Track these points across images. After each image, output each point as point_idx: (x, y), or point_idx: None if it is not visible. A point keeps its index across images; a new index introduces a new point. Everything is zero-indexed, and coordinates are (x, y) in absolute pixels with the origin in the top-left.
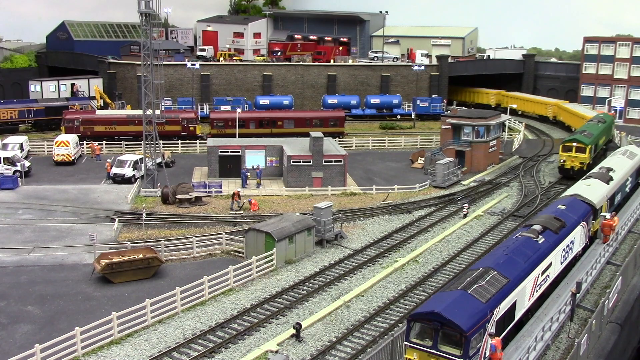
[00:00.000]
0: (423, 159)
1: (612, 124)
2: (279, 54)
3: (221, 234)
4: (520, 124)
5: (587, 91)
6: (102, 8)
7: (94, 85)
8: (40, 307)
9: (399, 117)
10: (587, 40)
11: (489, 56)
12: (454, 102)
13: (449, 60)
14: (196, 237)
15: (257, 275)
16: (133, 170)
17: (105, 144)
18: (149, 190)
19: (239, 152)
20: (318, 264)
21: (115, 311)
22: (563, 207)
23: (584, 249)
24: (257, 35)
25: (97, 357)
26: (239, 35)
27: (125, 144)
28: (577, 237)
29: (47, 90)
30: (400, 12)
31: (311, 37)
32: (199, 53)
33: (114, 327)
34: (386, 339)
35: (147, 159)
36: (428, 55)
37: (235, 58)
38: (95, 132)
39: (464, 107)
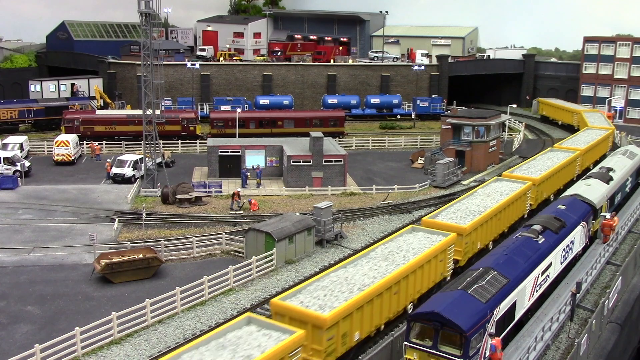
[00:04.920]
0: (423, 158)
1: None
2: (279, 53)
3: (221, 234)
4: (520, 124)
5: (587, 91)
6: (102, 8)
7: (94, 85)
8: (40, 307)
9: (399, 117)
10: (587, 40)
11: (489, 56)
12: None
13: (449, 60)
14: (196, 237)
15: (257, 275)
16: (133, 170)
17: (105, 144)
18: (149, 190)
19: (239, 152)
20: (318, 264)
21: (115, 311)
22: (563, 207)
23: (584, 249)
24: (257, 35)
25: (97, 357)
26: (239, 35)
27: (125, 144)
28: (577, 237)
29: (47, 90)
30: (400, 12)
31: (311, 37)
32: (199, 53)
33: (114, 327)
34: (386, 339)
35: (147, 159)
36: (428, 55)
37: (235, 58)
38: (95, 132)
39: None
